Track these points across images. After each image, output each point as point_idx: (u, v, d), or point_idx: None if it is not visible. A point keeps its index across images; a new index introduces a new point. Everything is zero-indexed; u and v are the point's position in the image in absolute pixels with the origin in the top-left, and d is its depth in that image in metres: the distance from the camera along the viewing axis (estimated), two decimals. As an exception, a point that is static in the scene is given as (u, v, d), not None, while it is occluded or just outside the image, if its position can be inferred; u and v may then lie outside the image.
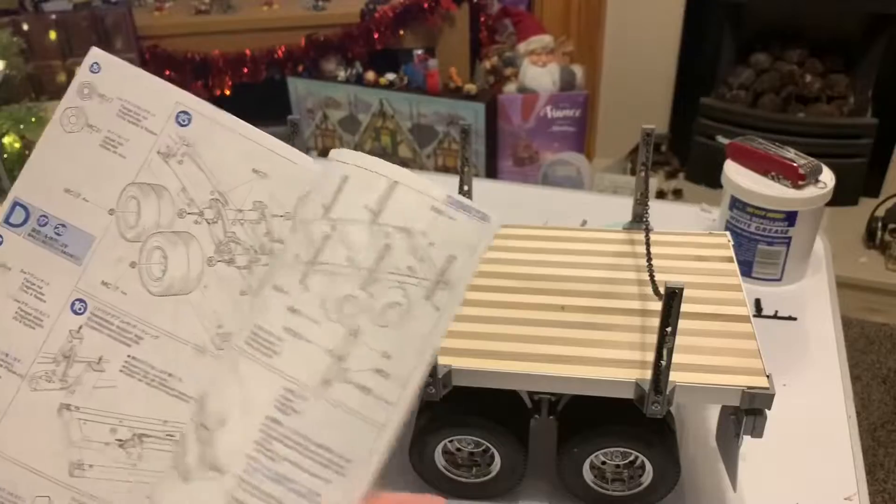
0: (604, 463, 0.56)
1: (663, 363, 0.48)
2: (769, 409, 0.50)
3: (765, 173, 0.80)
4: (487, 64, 1.95)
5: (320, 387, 0.36)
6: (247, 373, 0.36)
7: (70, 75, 1.77)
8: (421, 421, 0.56)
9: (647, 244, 0.60)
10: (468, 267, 0.36)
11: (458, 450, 0.57)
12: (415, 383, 0.36)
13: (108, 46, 1.77)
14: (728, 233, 0.67)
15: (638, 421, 0.51)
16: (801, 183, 0.77)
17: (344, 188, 0.37)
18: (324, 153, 2.01)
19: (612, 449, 0.54)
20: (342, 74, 1.90)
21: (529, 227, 0.67)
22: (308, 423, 0.36)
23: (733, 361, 0.51)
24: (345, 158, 0.38)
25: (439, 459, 0.57)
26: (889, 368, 1.68)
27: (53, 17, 1.73)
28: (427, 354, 0.36)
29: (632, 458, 0.55)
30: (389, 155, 1.97)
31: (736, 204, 0.80)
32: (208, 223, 0.39)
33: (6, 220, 0.39)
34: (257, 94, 1.88)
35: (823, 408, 0.67)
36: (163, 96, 0.39)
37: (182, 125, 0.39)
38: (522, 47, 1.93)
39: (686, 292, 0.46)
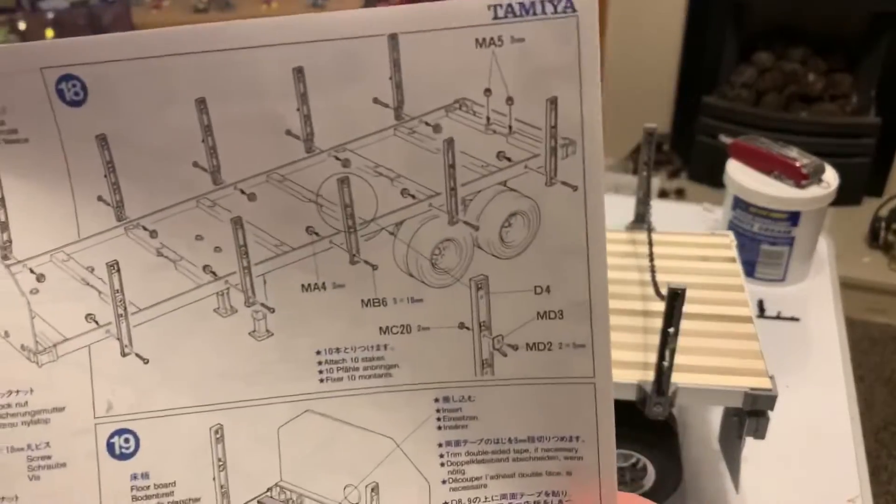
0: (605, 465, 0.55)
1: (665, 364, 0.47)
2: (772, 410, 0.49)
3: (768, 172, 0.79)
4: (488, 63, 1.94)
5: (480, 375, 0.26)
6: (364, 413, 0.26)
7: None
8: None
9: (650, 244, 0.59)
10: (589, 101, 0.23)
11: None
12: (601, 303, 0.25)
13: (107, 45, 1.77)
14: (731, 233, 0.66)
15: (640, 423, 0.50)
16: (803, 182, 0.77)
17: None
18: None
19: (613, 451, 0.54)
20: (343, 73, 1.89)
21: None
22: (496, 422, 0.26)
23: (736, 363, 0.51)
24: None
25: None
26: (893, 370, 1.68)
27: (50, 15, 1.73)
28: (598, 257, 0.25)
29: (634, 460, 0.54)
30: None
31: (739, 204, 0.80)
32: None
33: None
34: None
35: (826, 409, 0.66)
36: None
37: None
38: (524, 46, 1.92)
39: (688, 293, 0.45)
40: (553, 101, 0.23)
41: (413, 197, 0.25)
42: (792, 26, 2.02)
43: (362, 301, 0.26)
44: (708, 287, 0.58)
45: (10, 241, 0.25)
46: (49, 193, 0.24)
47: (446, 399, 0.26)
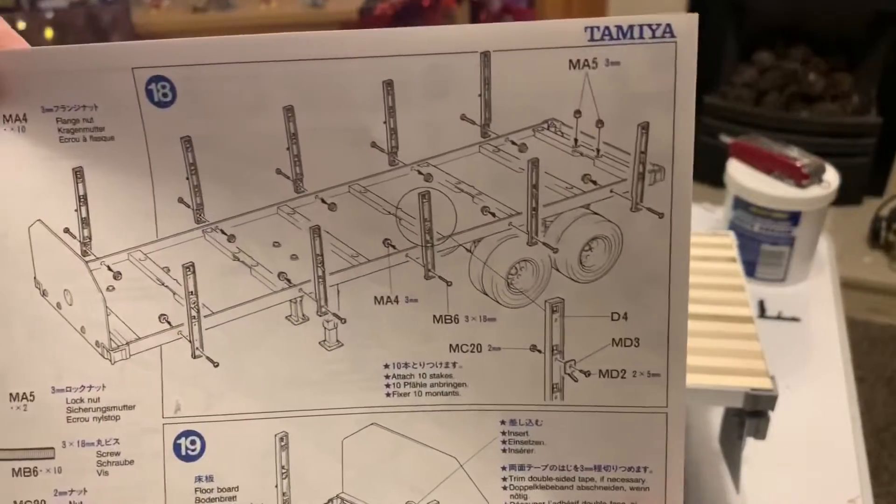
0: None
1: (665, 365, 0.47)
2: (772, 410, 0.49)
3: (768, 172, 0.79)
4: (489, 62, 1.94)
5: (549, 399, 0.25)
6: (429, 430, 0.26)
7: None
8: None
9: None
10: (682, 128, 0.23)
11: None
12: (679, 333, 0.25)
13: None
14: (731, 232, 0.66)
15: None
16: (804, 182, 0.77)
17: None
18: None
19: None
20: (343, 73, 1.89)
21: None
22: (562, 449, 0.26)
23: (736, 363, 0.51)
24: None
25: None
26: (894, 370, 1.67)
27: (50, 14, 1.72)
28: (680, 287, 0.24)
29: (633, 461, 0.54)
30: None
31: (739, 204, 0.79)
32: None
33: None
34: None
35: (827, 410, 0.66)
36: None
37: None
38: (524, 45, 1.92)
39: (689, 293, 0.45)
40: (644, 127, 0.23)
41: (493, 215, 0.24)
42: (792, 26, 2.02)
43: (434, 317, 0.25)
44: (708, 287, 0.58)
45: (90, 237, 0.25)
46: (130, 192, 0.25)
47: (513, 422, 0.26)
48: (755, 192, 0.78)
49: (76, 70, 0.24)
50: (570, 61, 0.22)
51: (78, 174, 0.24)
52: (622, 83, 0.23)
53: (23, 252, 0.24)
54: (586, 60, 0.22)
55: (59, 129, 0.24)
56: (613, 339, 0.25)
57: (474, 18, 1.94)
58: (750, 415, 0.49)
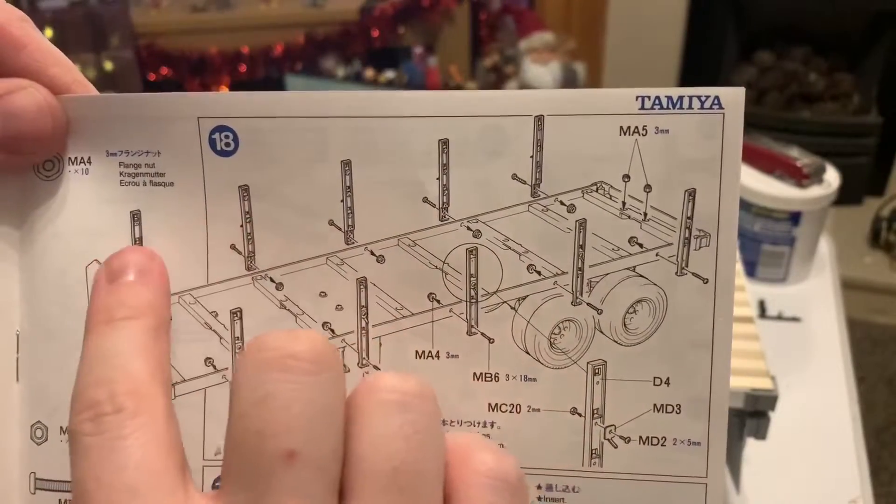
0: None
1: (665, 365, 0.47)
2: (773, 411, 0.49)
3: (769, 172, 0.79)
4: (488, 62, 1.94)
5: (588, 465, 0.24)
6: None
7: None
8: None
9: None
10: (727, 195, 0.24)
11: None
12: (720, 401, 0.24)
13: (104, 44, 1.76)
14: (731, 232, 0.66)
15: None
16: (805, 182, 0.76)
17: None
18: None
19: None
20: (341, 72, 1.89)
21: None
22: None
23: (737, 363, 0.51)
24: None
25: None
26: (894, 370, 1.67)
27: (49, 14, 1.72)
28: (723, 353, 0.24)
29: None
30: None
31: (740, 204, 0.79)
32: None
33: None
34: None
35: (828, 410, 0.66)
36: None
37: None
38: (523, 45, 1.92)
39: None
40: (691, 193, 0.24)
41: (539, 273, 0.24)
42: (793, 25, 2.02)
43: (474, 374, 0.25)
44: (708, 287, 0.58)
45: None
46: (185, 238, 0.25)
47: (549, 487, 0.25)
48: (756, 192, 0.78)
49: (143, 117, 0.24)
50: (621, 128, 0.23)
51: (135, 217, 0.25)
52: (671, 150, 0.23)
53: (80, 291, 0.25)
54: (636, 127, 0.23)
55: (121, 173, 0.25)
56: (655, 405, 0.24)
57: (474, 18, 1.93)
58: (750, 415, 0.49)
